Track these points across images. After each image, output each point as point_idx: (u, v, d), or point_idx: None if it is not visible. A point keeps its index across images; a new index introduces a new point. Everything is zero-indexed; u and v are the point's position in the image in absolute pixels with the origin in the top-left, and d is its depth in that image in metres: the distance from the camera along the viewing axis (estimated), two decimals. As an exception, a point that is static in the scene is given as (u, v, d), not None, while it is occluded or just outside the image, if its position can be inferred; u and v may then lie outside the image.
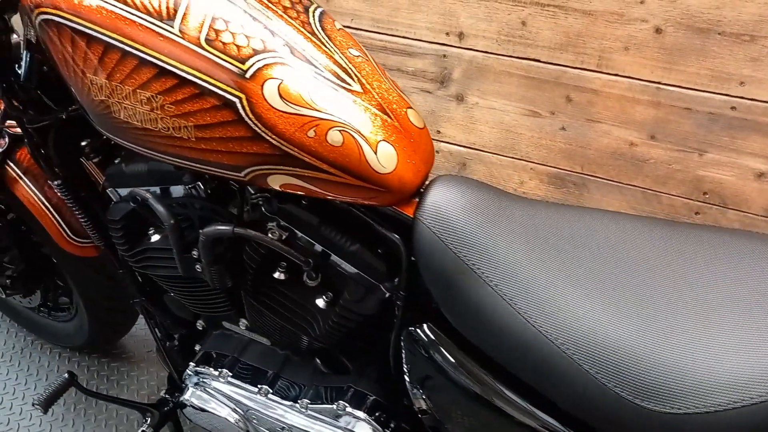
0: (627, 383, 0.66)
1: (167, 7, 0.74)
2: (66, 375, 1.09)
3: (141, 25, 0.73)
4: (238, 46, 0.74)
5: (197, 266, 0.94)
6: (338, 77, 0.77)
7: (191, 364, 1.13)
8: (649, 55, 1.31)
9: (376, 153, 0.76)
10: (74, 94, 0.84)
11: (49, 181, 1.06)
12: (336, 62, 0.78)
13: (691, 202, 1.44)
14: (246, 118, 0.74)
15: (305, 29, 0.79)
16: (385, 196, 0.79)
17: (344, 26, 0.92)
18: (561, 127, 1.48)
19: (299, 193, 0.81)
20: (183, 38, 0.73)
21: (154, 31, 0.73)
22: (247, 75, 0.73)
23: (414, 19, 1.52)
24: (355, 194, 0.79)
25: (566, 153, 1.51)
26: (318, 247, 0.89)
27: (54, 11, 0.75)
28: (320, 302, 0.92)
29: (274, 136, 0.75)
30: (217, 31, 0.74)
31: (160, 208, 0.90)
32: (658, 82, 1.33)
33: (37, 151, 1.03)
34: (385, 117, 0.78)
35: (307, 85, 0.74)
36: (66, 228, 1.22)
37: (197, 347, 1.20)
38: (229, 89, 0.73)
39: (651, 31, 1.29)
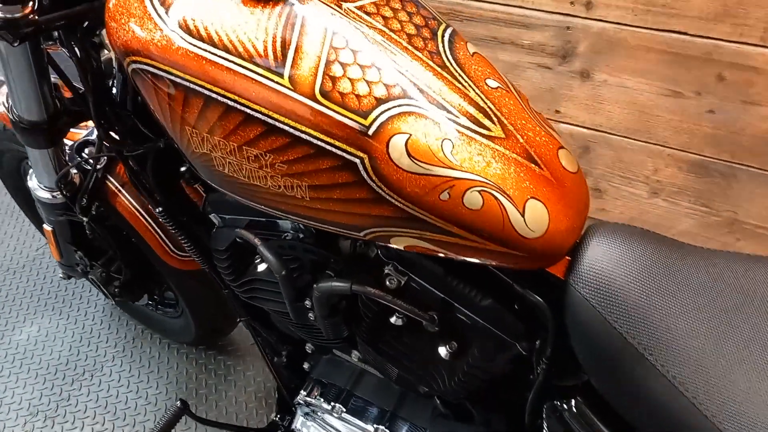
0: None
1: (274, 52, 0.62)
2: (178, 403, 1.07)
3: (246, 76, 0.61)
4: (358, 96, 0.61)
5: (310, 315, 0.86)
6: (476, 121, 0.63)
7: (302, 392, 1.07)
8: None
9: (523, 214, 0.62)
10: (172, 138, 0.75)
11: (150, 207, 1.00)
12: (472, 101, 0.64)
13: None
14: (368, 180, 0.63)
15: (434, 62, 0.65)
16: (532, 261, 0.66)
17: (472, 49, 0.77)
18: (708, 109, 1.27)
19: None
20: (295, 91, 0.61)
21: (260, 83, 0.61)
22: (370, 132, 0.61)
23: (533, -14, 1.32)
24: (495, 259, 0.67)
25: (713, 139, 1.30)
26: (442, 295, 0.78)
27: (147, 60, 0.65)
28: (443, 351, 0.82)
29: (400, 200, 0.63)
30: (333, 79, 0.61)
31: (270, 257, 0.81)
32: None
33: (136, 178, 0.97)
34: (532, 166, 0.64)
35: (440, 137, 0.61)
36: (168, 242, 1.17)
37: (306, 365, 1.15)
38: (348, 149, 0.62)
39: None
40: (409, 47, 0.65)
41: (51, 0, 0.76)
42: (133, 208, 1.14)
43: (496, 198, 0.62)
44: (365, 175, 0.62)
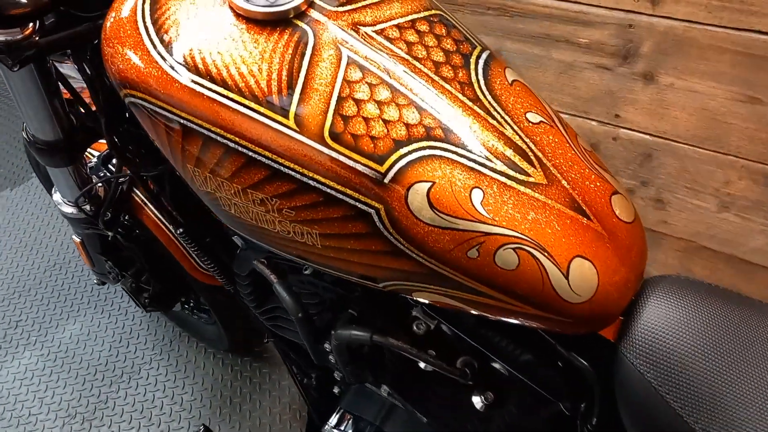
0: None
1: (279, 88, 0.54)
2: (201, 428, 1.03)
3: (247, 116, 0.54)
4: (373, 138, 0.53)
5: (330, 357, 0.80)
6: (512, 165, 0.54)
7: (330, 422, 1.01)
8: None
9: (567, 275, 0.53)
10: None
11: (172, 227, 0.95)
12: (508, 141, 0.55)
13: None
14: (385, 233, 0.55)
15: (465, 95, 0.56)
16: (577, 327, 0.57)
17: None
18: (791, 118, 1.12)
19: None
20: (301, 133, 0.53)
21: (263, 124, 0.54)
22: (386, 179, 0.53)
23: (592, -20, 1.19)
24: (534, 322, 0.58)
25: (795, 151, 1.15)
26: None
27: (142, 95, 0.58)
28: (478, 402, 0.74)
29: (421, 255, 0.55)
30: (345, 119, 0.53)
31: (286, 297, 0.75)
32: None
33: (155, 198, 0.92)
34: (579, 217, 0.54)
35: (469, 185, 0.53)
36: (195, 257, 1.12)
37: (336, 389, 1.09)
38: (362, 198, 0.54)
39: None
40: (436, 78, 0.56)
41: (54, 20, 0.70)
42: (159, 222, 1.10)
43: (534, 257, 0.53)
44: (381, 227, 0.54)
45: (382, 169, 0.53)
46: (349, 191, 0.54)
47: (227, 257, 0.95)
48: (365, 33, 0.57)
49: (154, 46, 0.56)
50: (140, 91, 0.58)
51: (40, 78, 0.77)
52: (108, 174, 1.08)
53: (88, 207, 1.03)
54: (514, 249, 0.53)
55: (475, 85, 0.57)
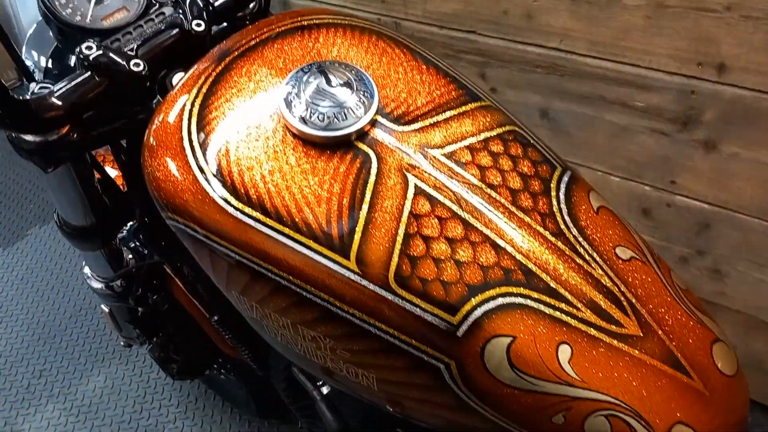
0: None
1: (339, 223, 0.48)
2: None
3: (302, 254, 0.48)
4: (444, 284, 0.47)
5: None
6: (603, 315, 0.47)
7: None
8: None
9: (664, 444, 0.46)
10: None
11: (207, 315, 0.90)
12: (598, 285, 0.48)
13: None
14: (454, 388, 0.48)
15: (548, 228, 0.49)
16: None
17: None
18: None
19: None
20: (363, 277, 0.47)
21: (320, 264, 0.48)
22: (460, 332, 0.46)
23: (651, 43, 1.12)
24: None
25: None
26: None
27: (185, 222, 0.52)
28: None
29: (496, 414, 0.48)
30: (412, 260, 0.47)
31: (327, 415, 0.68)
32: None
33: (190, 285, 0.86)
34: (679, 375, 0.47)
35: (555, 340, 0.46)
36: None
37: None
38: (430, 351, 0.47)
39: None
40: (513, 209, 0.50)
41: (91, 116, 0.65)
42: (190, 296, 1.04)
43: (628, 424, 0.46)
44: (451, 383, 0.48)
45: (455, 320, 0.46)
46: (415, 343, 0.47)
47: (264, 349, 0.89)
48: (433, 157, 0.51)
49: (201, 171, 0.51)
50: (184, 218, 0.52)
51: (74, 169, 0.72)
52: (138, 246, 1.03)
53: (118, 283, 0.98)
54: (605, 416, 0.46)
55: (558, 216, 0.50)
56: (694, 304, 0.51)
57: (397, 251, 0.47)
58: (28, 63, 0.79)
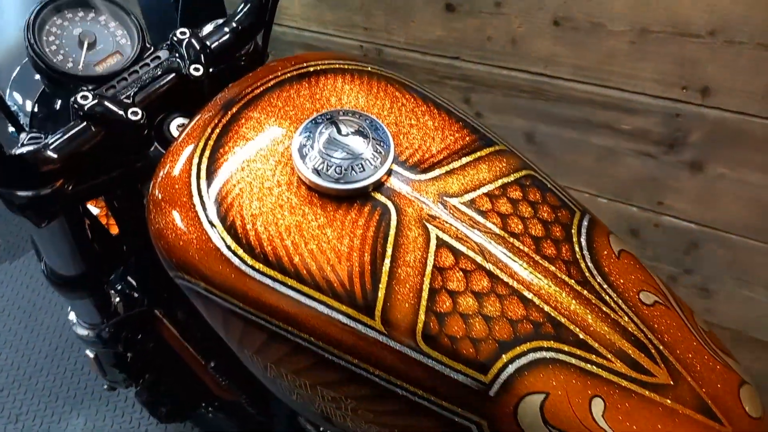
0: None
1: (362, 281, 0.46)
2: None
3: (324, 315, 0.46)
4: (474, 341, 0.45)
5: None
6: (633, 364, 0.46)
7: None
8: None
9: (699, 496, 0.45)
10: None
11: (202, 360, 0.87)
12: (626, 333, 0.47)
13: None
14: (487, 448, 0.46)
15: (573, 277, 0.48)
16: None
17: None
18: None
19: None
20: (389, 336, 0.45)
21: (344, 324, 0.46)
22: (492, 391, 0.45)
23: (636, 68, 1.13)
24: None
25: None
26: None
27: (196, 281, 0.50)
28: None
29: (531, 472, 0.46)
30: (439, 316, 0.45)
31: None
32: None
33: (185, 332, 0.83)
34: (711, 423, 0.46)
35: (588, 394, 0.45)
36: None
37: None
38: (461, 412, 0.45)
39: None
40: (537, 258, 0.48)
41: (86, 167, 0.62)
42: (182, 341, 1.01)
43: (664, 478, 0.44)
44: (483, 442, 0.46)
45: (487, 379, 0.45)
46: (446, 404, 0.45)
47: (264, 393, 0.87)
48: (453, 206, 0.49)
49: (213, 226, 0.49)
50: (194, 276, 0.50)
51: (66, 220, 0.69)
52: (126, 289, 0.99)
53: (106, 330, 0.94)
54: (642, 470, 0.44)
55: (582, 263, 0.49)
56: (718, 346, 0.51)
57: (423, 308, 0.45)
58: (12, 107, 0.75)
